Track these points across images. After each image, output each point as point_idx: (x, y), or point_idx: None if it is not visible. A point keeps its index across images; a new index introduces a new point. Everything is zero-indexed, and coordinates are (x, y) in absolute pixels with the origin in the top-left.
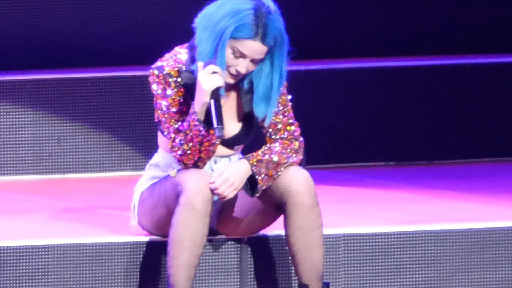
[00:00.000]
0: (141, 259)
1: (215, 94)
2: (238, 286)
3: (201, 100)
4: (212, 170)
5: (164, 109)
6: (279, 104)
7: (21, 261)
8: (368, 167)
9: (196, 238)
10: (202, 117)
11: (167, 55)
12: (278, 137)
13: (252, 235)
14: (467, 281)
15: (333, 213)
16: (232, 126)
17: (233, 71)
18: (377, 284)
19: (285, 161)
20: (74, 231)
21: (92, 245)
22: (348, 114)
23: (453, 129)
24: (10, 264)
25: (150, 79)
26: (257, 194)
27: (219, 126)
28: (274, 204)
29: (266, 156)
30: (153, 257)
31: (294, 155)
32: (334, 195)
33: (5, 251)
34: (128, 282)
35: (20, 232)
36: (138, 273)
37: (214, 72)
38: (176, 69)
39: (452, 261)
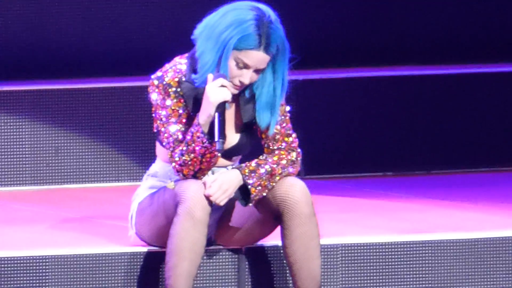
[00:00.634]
0: (139, 270)
1: (221, 108)
2: None
3: (207, 112)
4: None
5: (164, 119)
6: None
7: (20, 271)
8: (366, 177)
9: (196, 247)
10: (206, 129)
11: (167, 65)
12: (276, 147)
13: (250, 245)
14: None
15: (332, 223)
16: (231, 137)
17: (236, 82)
18: None
19: (281, 171)
20: (73, 241)
21: (90, 256)
22: (346, 124)
23: (451, 139)
24: (9, 274)
25: (150, 89)
26: (251, 204)
27: (221, 140)
28: (272, 214)
29: (260, 166)
30: (151, 267)
31: (291, 166)
32: (332, 205)
33: (4, 261)
34: None
35: (19, 243)
36: (136, 283)
37: (223, 86)
38: (176, 79)
39: (450, 271)
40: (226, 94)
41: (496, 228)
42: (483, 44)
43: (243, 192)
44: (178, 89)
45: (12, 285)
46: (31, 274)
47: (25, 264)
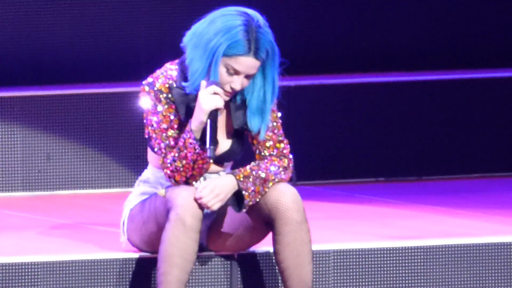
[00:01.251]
0: (130, 276)
1: (213, 115)
2: None
3: (199, 118)
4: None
5: (155, 125)
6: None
7: (11, 277)
8: (358, 183)
9: (186, 254)
10: (198, 136)
11: (158, 72)
12: (267, 154)
13: (242, 251)
14: None
15: (323, 229)
16: (223, 143)
17: (227, 89)
18: None
19: (273, 177)
20: (64, 247)
21: (81, 262)
22: (338, 130)
23: (443, 144)
24: (0, 281)
25: (141, 95)
26: (244, 210)
27: (212, 147)
28: (263, 221)
29: (254, 172)
30: (143, 274)
31: (283, 172)
32: (324, 211)
33: None
34: None
35: (9, 249)
36: None
37: (215, 93)
38: (167, 85)
39: (442, 277)
40: (218, 102)
41: (488, 234)
42: (474, 50)
43: (236, 198)
44: (169, 95)
45: None
46: (22, 281)
47: (16, 271)
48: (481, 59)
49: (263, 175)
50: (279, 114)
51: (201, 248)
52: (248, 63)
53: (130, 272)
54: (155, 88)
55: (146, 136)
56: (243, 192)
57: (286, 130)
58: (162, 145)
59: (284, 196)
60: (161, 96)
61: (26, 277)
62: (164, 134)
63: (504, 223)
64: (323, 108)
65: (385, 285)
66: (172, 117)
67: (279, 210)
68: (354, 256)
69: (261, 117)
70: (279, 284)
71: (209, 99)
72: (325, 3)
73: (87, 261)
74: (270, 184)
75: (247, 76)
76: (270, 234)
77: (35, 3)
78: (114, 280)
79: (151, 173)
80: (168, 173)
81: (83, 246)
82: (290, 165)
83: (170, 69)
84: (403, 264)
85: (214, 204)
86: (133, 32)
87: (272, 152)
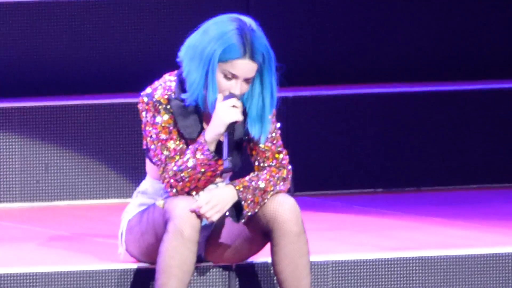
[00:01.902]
0: (129, 286)
1: (231, 128)
2: None
3: (217, 130)
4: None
5: (154, 136)
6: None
7: None
8: (356, 194)
9: (184, 265)
10: (213, 148)
11: (156, 83)
12: (266, 165)
13: (240, 262)
14: None
15: (322, 240)
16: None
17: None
18: None
19: (272, 188)
20: (62, 258)
21: (80, 273)
22: (336, 141)
23: (441, 156)
24: None
25: (140, 106)
26: (243, 220)
27: (229, 158)
28: (261, 232)
29: (253, 183)
30: (141, 285)
31: (281, 183)
32: (322, 222)
33: None
34: None
35: (7, 260)
36: None
37: (234, 106)
38: (165, 96)
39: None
40: (237, 115)
41: (487, 245)
42: (472, 61)
43: (235, 208)
44: (168, 106)
45: None
46: None
47: (14, 282)
48: (479, 71)
49: (262, 185)
50: (278, 125)
51: (199, 259)
52: (244, 66)
53: (128, 283)
54: (154, 99)
55: (144, 147)
56: (242, 202)
57: (285, 141)
58: (162, 156)
59: (282, 208)
60: (160, 107)
61: None
62: (163, 145)
63: (503, 234)
64: (321, 119)
65: None
66: (171, 128)
67: (277, 221)
68: (353, 267)
69: (261, 123)
70: None
71: (229, 112)
72: (324, 14)
73: (85, 272)
74: (269, 195)
75: (246, 81)
76: (268, 245)
77: (32, 15)
78: None
79: (150, 184)
80: (170, 182)
81: (81, 257)
82: (289, 175)
83: (169, 80)
84: (402, 275)
85: (213, 215)
86: (132, 43)
87: (271, 163)
